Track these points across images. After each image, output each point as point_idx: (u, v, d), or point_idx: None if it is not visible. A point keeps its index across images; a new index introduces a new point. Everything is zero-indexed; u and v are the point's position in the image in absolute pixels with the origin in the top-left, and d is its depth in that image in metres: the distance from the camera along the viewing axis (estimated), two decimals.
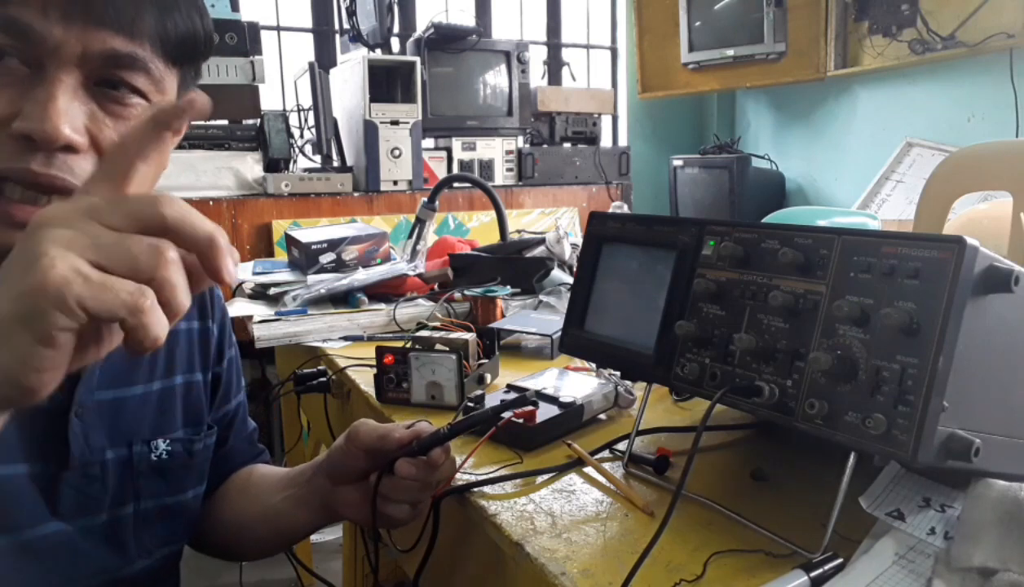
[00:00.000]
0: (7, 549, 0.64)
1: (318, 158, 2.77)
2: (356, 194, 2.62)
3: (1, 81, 0.55)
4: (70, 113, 0.57)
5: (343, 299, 1.49)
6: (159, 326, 0.41)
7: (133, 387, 0.74)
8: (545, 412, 0.86)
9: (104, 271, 0.40)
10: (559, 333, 0.94)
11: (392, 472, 0.72)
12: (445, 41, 2.87)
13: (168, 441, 0.77)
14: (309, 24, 3.10)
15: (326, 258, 1.54)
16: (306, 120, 2.75)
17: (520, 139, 3.10)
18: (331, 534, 2.05)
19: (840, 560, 0.57)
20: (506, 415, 0.78)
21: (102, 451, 0.70)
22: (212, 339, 0.85)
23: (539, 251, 1.65)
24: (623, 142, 3.76)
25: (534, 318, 1.32)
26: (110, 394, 0.72)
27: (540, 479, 0.77)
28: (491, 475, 0.77)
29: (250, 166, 2.47)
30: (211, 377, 0.85)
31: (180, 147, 2.31)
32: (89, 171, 0.59)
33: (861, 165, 3.11)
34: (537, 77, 3.48)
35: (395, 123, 2.63)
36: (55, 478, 0.67)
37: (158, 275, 0.41)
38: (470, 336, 1.05)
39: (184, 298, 0.42)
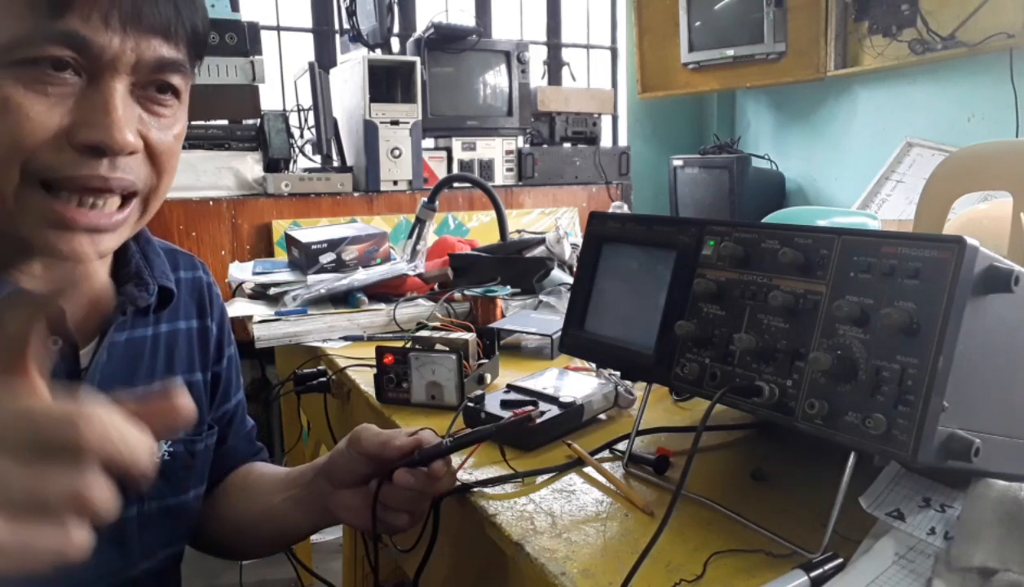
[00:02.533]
0: None
1: (318, 158, 2.77)
2: (356, 194, 2.62)
3: (58, 92, 0.58)
4: (128, 120, 0.60)
5: (343, 299, 1.49)
6: (85, 541, 0.37)
7: (133, 389, 0.74)
8: (544, 410, 0.86)
9: (14, 519, 0.35)
10: (559, 333, 0.94)
11: (391, 480, 0.72)
12: (445, 41, 2.87)
13: (170, 442, 0.76)
14: (309, 24, 3.10)
15: (326, 258, 1.54)
16: (306, 120, 2.75)
17: (520, 139, 3.10)
18: (331, 534, 2.05)
19: (840, 560, 0.57)
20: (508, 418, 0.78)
21: None
22: (211, 338, 0.85)
23: (539, 251, 1.65)
24: (623, 142, 3.76)
25: (534, 318, 1.32)
26: (111, 396, 0.71)
27: (540, 479, 0.77)
28: (491, 475, 0.77)
29: (250, 166, 2.47)
30: (211, 376, 0.85)
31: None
32: (141, 169, 0.64)
33: (861, 165, 3.11)
34: (537, 77, 3.48)
35: (395, 123, 2.63)
36: None
37: (77, 507, 0.36)
38: (470, 336, 1.05)
39: (113, 506, 0.37)
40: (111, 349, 0.71)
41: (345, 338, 1.35)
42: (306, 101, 2.71)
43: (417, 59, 2.70)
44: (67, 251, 0.61)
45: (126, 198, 0.64)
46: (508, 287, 1.48)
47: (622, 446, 0.82)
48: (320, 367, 1.23)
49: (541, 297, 1.48)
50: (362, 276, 1.50)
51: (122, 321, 0.72)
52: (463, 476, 0.77)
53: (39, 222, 0.60)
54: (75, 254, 0.62)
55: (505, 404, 0.89)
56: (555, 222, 2.95)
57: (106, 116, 0.58)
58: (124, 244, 0.75)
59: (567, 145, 3.20)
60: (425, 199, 1.80)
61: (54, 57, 0.57)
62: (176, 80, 0.64)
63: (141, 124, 0.63)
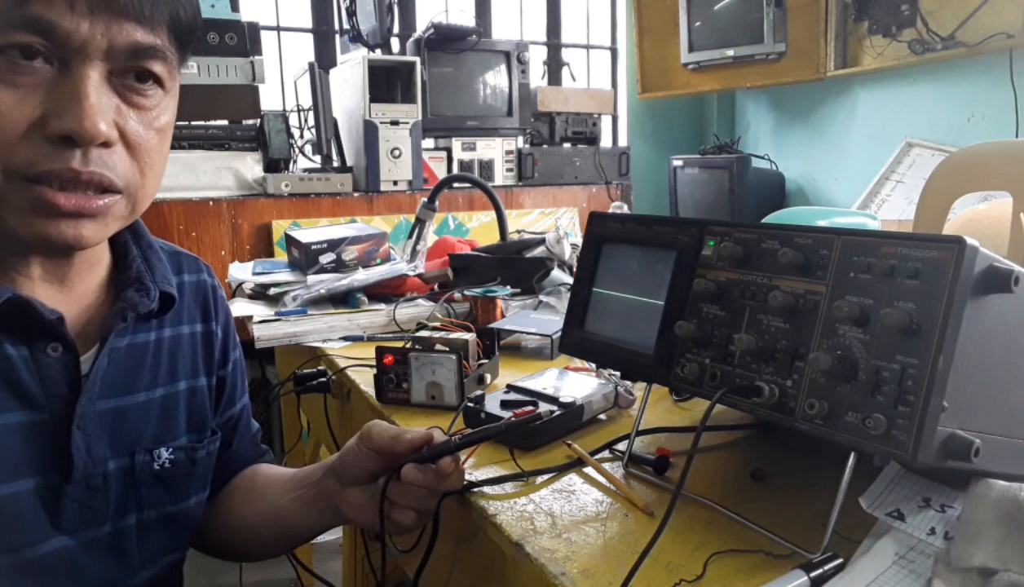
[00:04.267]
0: (8, 568, 0.63)
1: (318, 158, 2.76)
2: (356, 194, 2.62)
3: (29, 82, 0.57)
4: (102, 109, 0.58)
5: (343, 299, 1.49)
6: None
7: (135, 395, 0.73)
8: (548, 410, 0.86)
9: None
10: (559, 333, 0.94)
11: (400, 478, 0.72)
12: (445, 41, 2.87)
13: (171, 449, 0.75)
14: (309, 24, 3.10)
15: (326, 258, 1.54)
16: (306, 120, 2.75)
17: (520, 139, 3.10)
18: (331, 534, 2.04)
19: (840, 560, 0.57)
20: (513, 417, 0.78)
21: (104, 462, 0.69)
22: (216, 342, 0.83)
23: (539, 251, 1.65)
24: (623, 142, 3.76)
25: (534, 318, 1.32)
26: (112, 403, 0.70)
27: (540, 479, 0.77)
28: (491, 475, 0.77)
29: (250, 166, 2.47)
30: (216, 381, 0.84)
31: (180, 147, 2.33)
32: (120, 165, 0.62)
33: (861, 165, 3.11)
34: (537, 77, 3.48)
35: (395, 123, 2.63)
36: (58, 492, 0.66)
37: None
38: (470, 336, 1.05)
39: None
40: (112, 354, 0.70)
41: (345, 338, 1.35)
42: (306, 101, 2.71)
43: (417, 59, 2.70)
44: (53, 235, 0.60)
45: (107, 192, 0.62)
46: (508, 287, 1.48)
47: (622, 446, 0.82)
48: (320, 367, 1.23)
49: (541, 297, 1.48)
50: (362, 276, 1.50)
51: (123, 326, 0.71)
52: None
53: (23, 210, 0.59)
54: (61, 238, 0.60)
55: (505, 404, 0.89)
56: (555, 222, 2.95)
57: (76, 104, 0.57)
58: (125, 247, 0.75)
59: (567, 145, 3.20)
60: (425, 199, 1.80)
61: (21, 44, 0.55)
62: (157, 68, 0.62)
63: (119, 115, 0.61)
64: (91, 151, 0.59)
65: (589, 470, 0.78)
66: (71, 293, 0.70)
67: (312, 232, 1.64)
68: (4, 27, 0.55)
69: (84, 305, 0.71)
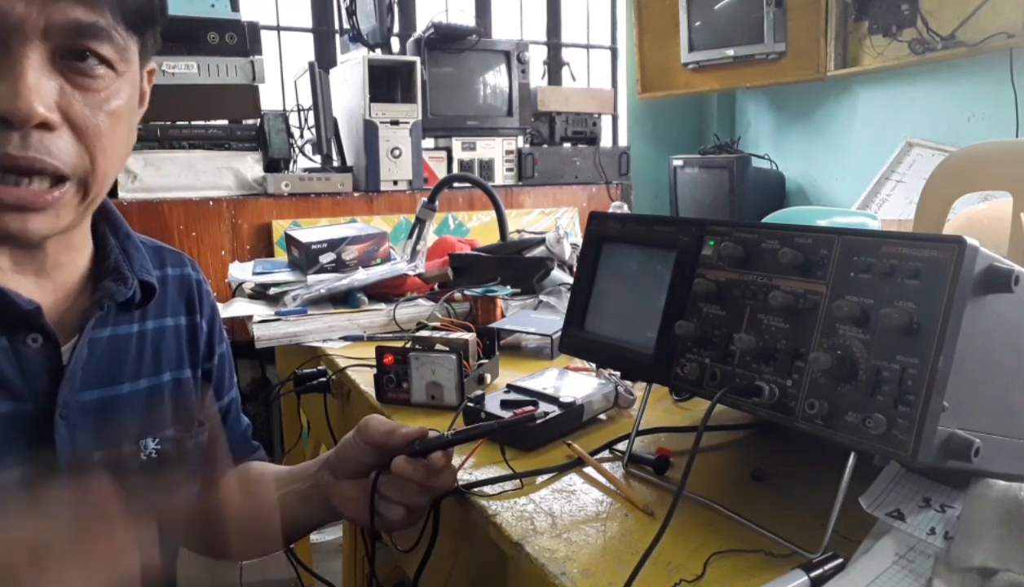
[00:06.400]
0: None
1: (318, 158, 2.76)
2: (356, 194, 2.62)
3: None
4: (41, 90, 0.57)
5: (343, 299, 1.49)
6: None
7: (119, 386, 0.73)
8: (546, 411, 0.86)
9: None
10: (559, 333, 0.94)
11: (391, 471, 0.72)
12: (445, 41, 2.86)
13: (158, 440, 0.75)
14: (309, 24, 3.10)
15: (326, 258, 1.54)
16: (306, 120, 2.75)
17: (520, 139, 3.10)
18: (331, 534, 2.05)
19: (840, 560, 0.57)
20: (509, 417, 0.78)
21: (89, 452, 0.69)
22: (201, 335, 0.84)
23: (539, 251, 1.65)
24: (623, 142, 3.76)
25: (534, 318, 1.32)
26: (95, 394, 0.71)
27: (540, 479, 0.77)
28: (491, 475, 0.77)
29: (250, 166, 2.47)
30: (201, 373, 0.84)
31: (180, 147, 2.33)
32: (65, 149, 0.60)
33: (861, 165, 3.11)
34: (537, 77, 3.48)
35: (395, 123, 2.63)
36: (43, 482, 0.66)
37: None
38: (470, 336, 1.05)
39: None
40: (93, 345, 0.70)
41: (345, 338, 1.35)
42: (306, 101, 2.71)
43: (417, 59, 2.70)
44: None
45: (58, 180, 0.61)
46: (508, 287, 1.48)
47: (622, 446, 0.82)
48: (320, 367, 1.23)
49: (541, 297, 1.48)
50: (362, 276, 1.50)
51: (102, 317, 0.71)
52: (463, 476, 0.77)
53: None
54: (5, 231, 0.59)
55: (505, 404, 0.89)
56: (555, 222, 2.95)
57: (10, 85, 0.55)
58: (103, 238, 0.75)
59: (567, 145, 3.20)
60: (425, 199, 1.79)
61: None
62: (103, 48, 0.60)
63: (62, 97, 0.59)
64: (31, 135, 0.57)
65: (589, 470, 0.78)
66: (50, 284, 0.69)
67: (312, 232, 1.64)
68: None
69: (63, 295, 0.71)
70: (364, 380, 1.09)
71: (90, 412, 0.70)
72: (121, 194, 2.25)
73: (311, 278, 1.50)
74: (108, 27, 0.60)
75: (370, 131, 2.59)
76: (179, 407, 0.80)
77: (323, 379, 1.20)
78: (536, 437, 0.84)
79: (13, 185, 0.58)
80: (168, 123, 2.35)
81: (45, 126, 0.58)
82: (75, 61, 0.59)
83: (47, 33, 0.57)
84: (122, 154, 0.66)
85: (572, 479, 0.77)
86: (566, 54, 3.72)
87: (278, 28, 3.03)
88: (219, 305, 0.97)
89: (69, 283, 0.72)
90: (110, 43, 0.60)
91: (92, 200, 0.65)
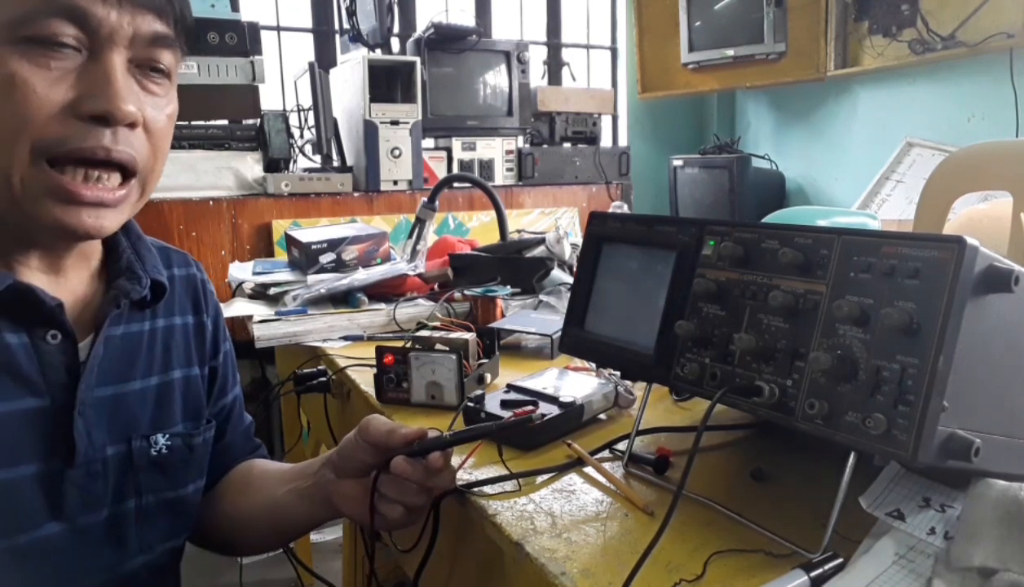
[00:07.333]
0: (5, 553, 0.64)
1: (318, 158, 2.76)
2: (356, 194, 2.62)
3: (61, 67, 0.61)
4: (130, 91, 0.64)
5: (343, 299, 1.49)
6: None
7: (131, 383, 0.75)
8: (545, 412, 0.86)
9: None
10: (559, 333, 0.94)
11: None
12: (445, 41, 2.86)
13: (168, 436, 0.77)
14: (309, 24, 3.10)
15: (326, 258, 1.54)
16: (306, 120, 2.75)
17: (520, 139, 3.10)
18: (331, 534, 2.05)
19: (840, 560, 0.57)
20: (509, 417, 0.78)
21: (103, 447, 0.71)
22: (207, 333, 0.86)
23: (539, 251, 1.65)
24: (623, 142, 3.76)
25: (534, 318, 1.32)
26: (109, 390, 0.73)
27: (540, 479, 0.77)
28: (491, 475, 0.77)
29: (250, 166, 2.47)
30: (208, 371, 0.86)
31: (180, 147, 2.33)
32: (142, 147, 0.66)
33: (861, 165, 3.11)
34: (537, 77, 3.48)
35: (395, 123, 2.63)
36: (59, 477, 0.68)
37: None
38: (470, 336, 1.05)
39: None
40: (108, 342, 0.72)
41: (345, 338, 1.35)
42: (306, 101, 2.71)
43: (417, 59, 2.70)
44: (73, 224, 0.63)
45: (126, 176, 0.66)
46: (508, 287, 1.48)
47: (622, 446, 0.82)
48: (320, 367, 1.23)
49: (541, 297, 1.48)
50: (362, 276, 1.50)
51: (117, 314, 0.73)
52: (463, 476, 0.77)
53: (45, 197, 0.62)
54: (81, 227, 0.64)
55: (505, 404, 0.89)
56: (555, 222, 2.95)
57: (109, 86, 0.62)
58: (115, 240, 0.77)
59: (567, 145, 3.20)
60: (425, 199, 1.79)
61: (57, 32, 0.59)
62: (168, 58, 0.68)
63: (137, 100, 0.65)
64: (120, 131, 0.63)
65: (589, 470, 0.78)
66: (66, 283, 0.72)
67: (312, 232, 1.64)
68: (39, 14, 0.59)
69: (78, 295, 0.73)
70: (364, 380, 1.09)
71: (104, 408, 0.72)
72: None
73: (311, 278, 1.50)
74: (175, 39, 0.68)
75: (370, 131, 2.59)
76: (188, 403, 0.82)
77: (323, 379, 1.20)
78: (536, 437, 0.84)
79: (92, 182, 0.63)
80: None
81: (132, 124, 0.64)
82: (147, 69, 0.66)
83: (132, 42, 0.64)
84: (167, 157, 0.72)
85: (572, 479, 0.77)
86: (566, 54, 3.72)
87: (278, 28, 3.03)
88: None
89: (82, 282, 0.74)
90: (173, 54, 0.69)
91: (143, 198, 0.71)
